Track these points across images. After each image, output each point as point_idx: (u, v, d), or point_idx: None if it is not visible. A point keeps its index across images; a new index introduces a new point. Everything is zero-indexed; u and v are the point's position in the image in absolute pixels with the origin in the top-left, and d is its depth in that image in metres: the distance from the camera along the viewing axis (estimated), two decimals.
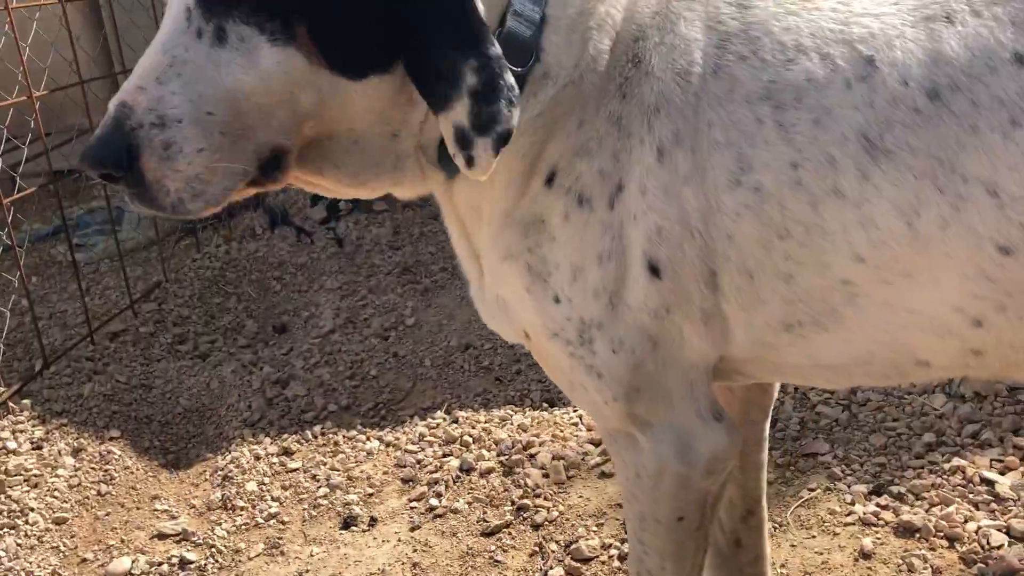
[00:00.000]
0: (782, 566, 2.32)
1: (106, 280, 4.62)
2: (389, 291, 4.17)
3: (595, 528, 2.54)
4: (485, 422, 3.10)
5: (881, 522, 2.41)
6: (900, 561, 2.28)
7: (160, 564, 2.58)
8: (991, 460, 2.59)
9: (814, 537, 2.41)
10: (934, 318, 1.30)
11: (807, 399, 2.97)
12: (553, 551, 2.47)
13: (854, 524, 2.42)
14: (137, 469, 3.04)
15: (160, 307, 4.17)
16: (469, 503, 2.70)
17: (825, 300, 1.33)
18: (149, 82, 1.24)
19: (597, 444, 2.85)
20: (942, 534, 2.34)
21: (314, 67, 1.27)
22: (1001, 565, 2.22)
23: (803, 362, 1.43)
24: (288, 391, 3.44)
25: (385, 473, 2.90)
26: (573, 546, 2.45)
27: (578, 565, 2.40)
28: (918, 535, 2.35)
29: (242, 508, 2.79)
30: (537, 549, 2.49)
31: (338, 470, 2.93)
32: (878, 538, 2.36)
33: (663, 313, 1.37)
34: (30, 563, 2.59)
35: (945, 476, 2.55)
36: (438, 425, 3.12)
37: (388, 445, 3.05)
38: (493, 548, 2.51)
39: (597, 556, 2.43)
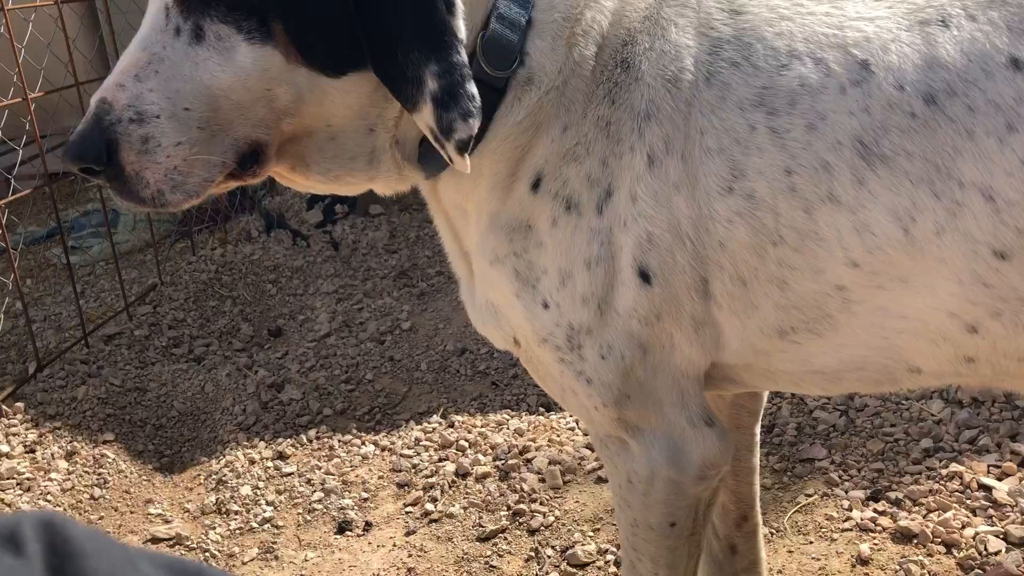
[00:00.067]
0: (779, 572, 2.31)
1: (101, 283, 4.61)
2: (385, 295, 4.16)
3: (591, 533, 2.52)
4: (481, 426, 3.09)
5: (878, 528, 2.40)
6: (897, 567, 2.27)
7: None
8: (989, 466, 2.58)
9: (811, 543, 2.40)
10: (928, 324, 1.30)
11: (804, 404, 2.96)
12: (549, 556, 2.45)
13: (851, 530, 2.41)
14: (131, 473, 3.03)
15: (155, 310, 4.16)
16: (465, 508, 2.69)
17: (819, 306, 1.32)
18: (128, 79, 1.28)
19: (593, 449, 2.84)
20: (940, 540, 2.33)
21: (291, 64, 1.29)
22: (999, 571, 2.21)
23: (796, 368, 1.42)
24: (283, 395, 3.43)
25: (380, 478, 2.89)
26: (569, 551, 2.44)
27: (574, 570, 2.39)
28: (915, 541, 2.34)
29: (236, 512, 2.78)
30: (533, 554, 2.47)
31: (333, 474, 2.92)
32: (875, 544, 2.35)
33: (653, 320, 1.36)
34: None
35: (943, 482, 2.54)
36: (434, 429, 3.10)
37: (383, 449, 3.03)
38: (489, 553, 2.50)
39: (593, 561, 2.42)
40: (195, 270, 4.56)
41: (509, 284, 1.41)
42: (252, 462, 3.01)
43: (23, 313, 3.73)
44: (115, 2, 4.59)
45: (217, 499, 2.84)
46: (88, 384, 3.49)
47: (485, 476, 2.80)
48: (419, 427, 3.13)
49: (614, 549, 2.43)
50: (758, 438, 1.92)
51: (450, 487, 2.78)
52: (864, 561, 2.30)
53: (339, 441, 3.11)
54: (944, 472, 2.57)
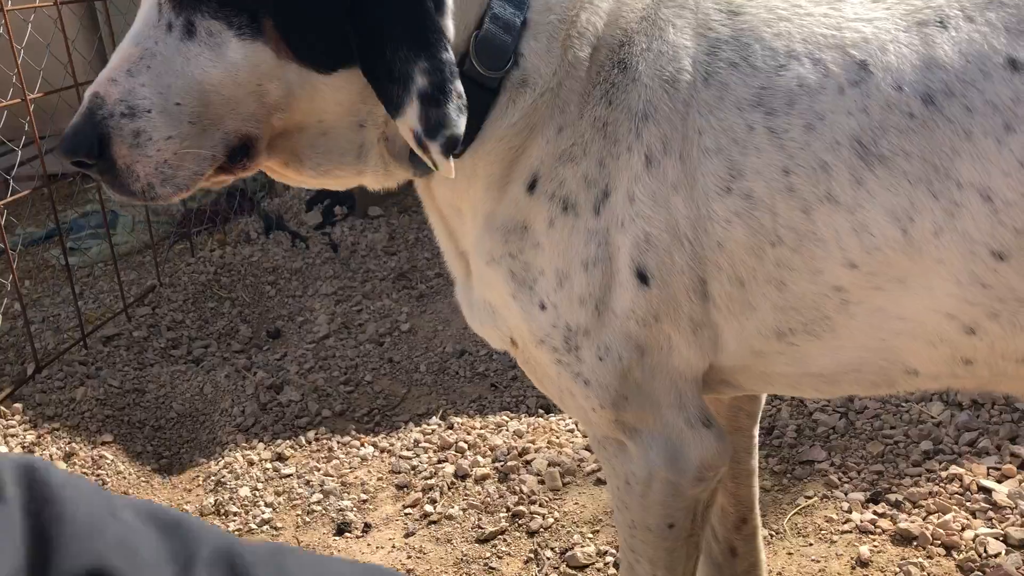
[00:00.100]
0: (779, 574, 2.30)
1: (100, 284, 4.60)
2: (384, 296, 4.16)
3: (591, 535, 2.52)
4: (480, 428, 3.08)
5: (878, 530, 2.40)
6: (897, 569, 2.26)
7: None
8: (988, 468, 2.57)
9: (811, 545, 2.39)
10: (926, 325, 1.29)
11: (804, 407, 2.96)
12: (548, 558, 2.45)
13: (851, 532, 2.41)
14: (129, 474, 3.02)
15: (154, 311, 4.16)
16: (464, 509, 2.68)
17: (817, 307, 1.32)
18: (120, 74, 1.29)
19: (592, 450, 2.84)
20: (939, 542, 2.33)
21: (282, 60, 1.30)
22: (998, 573, 2.20)
23: (793, 370, 1.42)
24: (282, 396, 3.42)
25: (379, 479, 2.88)
26: (568, 553, 2.43)
27: (573, 572, 2.39)
28: (915, 543, 2.34)
29: (235, 514, 2.78)
30: (532, 556, 2.47)
31: (332, 476, 2.92)
32: (875, 546, 2.35)
33: (651, 321, 1.36)
34: None
35: (942, 484, 2.54)
36: (433, 431, 3.10)
37: (383, 451, 3.03)
38: (488, 555, 2.50)
39: (593, 563, 2.41)
40: (194, 271, 4.55)
41: (505, 285, 1.41)
42: (251, 463, 3.01)
43: (22, 314, 3.73)
44: (114, 3, 4.59)
45: (216, 500, 2.83)
46: (87, 385, 3.49)
47: (484, 478, 2.80)
48: (418, 429, 3.13)
49: (613, 551, 2.43)
50: (756, 440, 1.92)
51: (449, 489, 2.78)
52: (864, 563, 2.29)
53: (338, 443, 3.11)
54: (944, 474, 2.57)
